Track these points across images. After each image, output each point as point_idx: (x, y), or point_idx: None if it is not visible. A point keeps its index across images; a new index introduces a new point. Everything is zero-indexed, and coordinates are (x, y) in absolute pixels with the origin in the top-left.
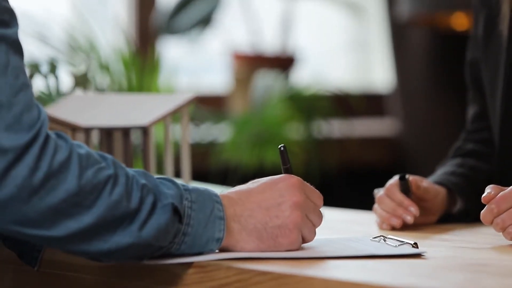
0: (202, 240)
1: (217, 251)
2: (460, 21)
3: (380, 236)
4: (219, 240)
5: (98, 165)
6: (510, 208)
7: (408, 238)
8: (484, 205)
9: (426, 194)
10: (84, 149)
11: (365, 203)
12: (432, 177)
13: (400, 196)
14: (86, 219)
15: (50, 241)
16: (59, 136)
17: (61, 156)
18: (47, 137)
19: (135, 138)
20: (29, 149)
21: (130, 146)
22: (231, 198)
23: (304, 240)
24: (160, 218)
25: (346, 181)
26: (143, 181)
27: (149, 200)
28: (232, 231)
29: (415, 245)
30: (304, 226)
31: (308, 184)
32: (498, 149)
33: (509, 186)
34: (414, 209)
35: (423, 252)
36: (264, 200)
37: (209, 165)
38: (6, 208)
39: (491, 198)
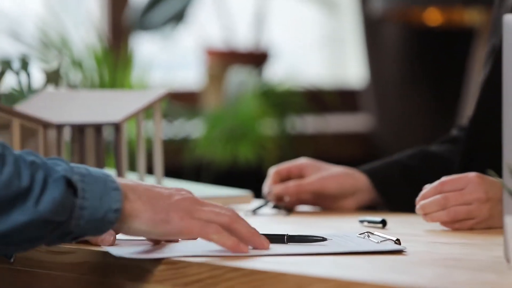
0: (99, 212)
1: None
2: (433, 16)
3: (366, 232)
4: (117, 210)
5: None
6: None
7: (392, 234)
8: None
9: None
10: None
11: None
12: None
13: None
14: None
15: None
16: None
17: None
18: None
19: (108, 134)
20: None
21: (102, 143)
22: (121, 178)
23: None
24: (54, 191)
25: None
26: (31, 158)
27: (39, 176)
28: (127, 199)
29: (398, 242)
30: (197, 213)
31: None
32: (466, 144)
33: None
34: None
35: (404, 249)
36: (156, 186)
37: (183, 162)
38: None
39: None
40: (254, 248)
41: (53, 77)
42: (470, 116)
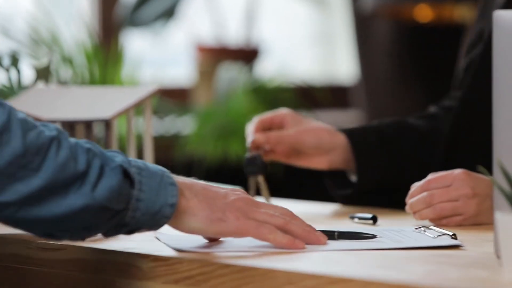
0: (155, 206)
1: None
2: (424, 13)
3: (422, 226)
4: (173, 205)
5: (39, 128)
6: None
7: (447, 229)
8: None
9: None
10: (22, 114)
11: (331, 195)
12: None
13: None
14: (35, 182)
15: (1, 208)
16: None
17: (0, 119)
18: None
19: (98, 131)
20: None
21: (92, 139)
22: (178, 176)
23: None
24: (112, 179)
25: (311, 173)
26: (88, 145)
27: (96, 163)
28: (184, 196)
29: (454, 236)
30: (251, 214)
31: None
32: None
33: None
34: (249, 140)
35: (462, 244)
36: (212, 186)
37: (173, 158)
38: None
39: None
40: (311, 244)
41: (43, 74)
42: (456, 99)
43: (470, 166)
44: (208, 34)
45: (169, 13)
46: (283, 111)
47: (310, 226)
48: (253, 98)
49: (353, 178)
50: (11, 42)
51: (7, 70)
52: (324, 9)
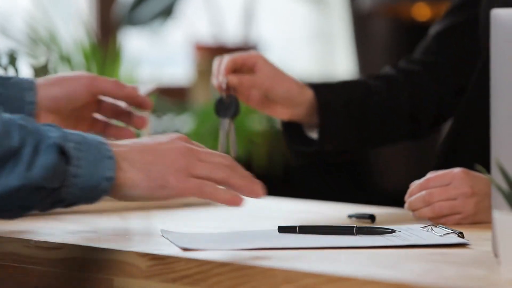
0: (92, 180)
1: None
2: (422, 11)
3: (429, 225)
4: (110, 179)
5: None
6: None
7: (455, 228)
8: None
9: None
10: None
11: (329, 193)
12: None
13: (222, 64)
14: None
15: None
16: None
17: None
18: None
19: None
20: None
21: None
22: (116, 142)
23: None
24: (47, 158)
25: (309, 171)
26: (22, 122)
27: (31, 141)
28: (121, 169)
29: (461, 235)
30: (193, 169)
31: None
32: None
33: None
34: (221, 79)
35: (469, 242)
36: (150, 145)
37: None
38: None
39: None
40: (249, 196)
41: (41, 72)
42: (415, 63)
43: (472, 165)
44: (206, 33)
45: (167, 12)
46: (255, 54)
47: (249, 175)
48: None
49: (312, 134)
50: (9, 41)
51: (5, 69)
52: (323, 7)
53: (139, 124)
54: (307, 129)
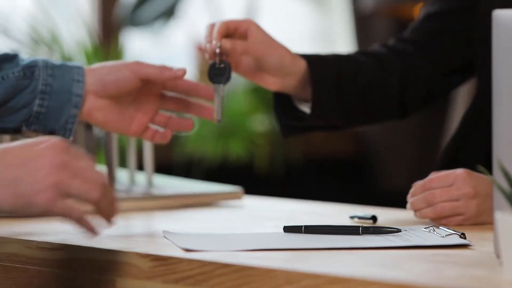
0: None
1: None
2: None
3: (431, 226)
4: None
5: None
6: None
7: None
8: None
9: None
10: None
11: (330, 194)
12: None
13: (214, 28)
14: None
15: None
16: None
17: None
18: None
19: (98, 130)
20: None
21: (92, 139)
22: None
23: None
24: None
25: (311, 172)
26: None
27: None
28: None
29: (463, 236)
30: (65, 187)
31: (75, 148)
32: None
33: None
34: (214, 43)
35: (471, 243)
36: (21, 156)
37: (173, 158)
38: None
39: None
40: (104, 225)
41: None
42: (405, 42)
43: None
44: None
45: (169, 13)
46: (248, 20)
47: (115, 200)
48: (253, 98)
49: (302, 107)
50: (11, 41)
51: None
52: (324, 8)
53: (206, 114)
54: (297, 101)
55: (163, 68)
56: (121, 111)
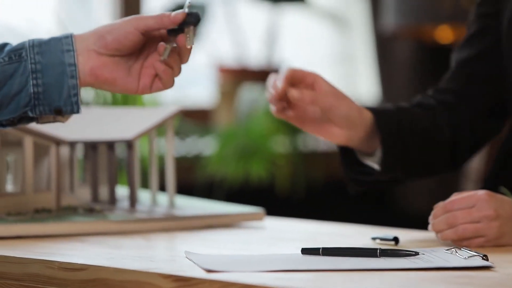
0: None
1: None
2: (445, 34)
3: (453, 248)
4: None
5: None
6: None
7: (478, 251)
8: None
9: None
10: None
11: (351, 215)
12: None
13: (281, 74)
14: None
15: None
16: None
17: None
18: None
19: (120, 151)
20: None
21: (114, 160)
22: None
23: None
24: None
25: (332, 193)
26: None
27: None
28: None
29: (485, 258)
30: None
31: None
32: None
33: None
34: (279, 86)
35: (493, 265)
36: None
37: (195, 179)
38: None
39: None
40: None
41: None
42: (449, 92)
43: None
44: (229, 55)
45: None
46: (314, 73)
47: None
48: (274, 119)
49: (367, 161)
50: None
51: None
52: (345, 29)
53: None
54: (361, 155)
55: (162, 15)
56: (127, 68)
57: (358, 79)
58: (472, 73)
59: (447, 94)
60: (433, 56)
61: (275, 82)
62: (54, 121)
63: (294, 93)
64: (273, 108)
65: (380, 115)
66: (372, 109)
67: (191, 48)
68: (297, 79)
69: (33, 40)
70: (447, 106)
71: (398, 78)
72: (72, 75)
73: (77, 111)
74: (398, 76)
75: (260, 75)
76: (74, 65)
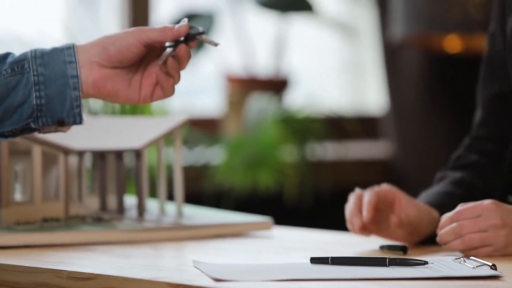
0: None
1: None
2: (454, 43)
3: (461, 257)
4: None
5: None
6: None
7: (487, 260)
8: None
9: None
10: None
11: None
12: (427, 195)
13: (365, 200)
14: None
15: None
16: None
17: None
18: None
19: (128, 161)
20: None
21: (123, 169)
22: None
23: None
24: None
25: (340, 203)
26: None
27: None
28: None
29: (494, 267)
30: None
31: None
32: None
33: None
34: (366, 214)
35: (502, 274)
36: None
37: (203, 188)
38: None
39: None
40: None
41: None
42: (490, 141)
43: None
44: (237, 64)
45: (198, 44)
46: (391, 188)
47: None
48: (283, 128)
49: None
50: None
51: None
52: (353, 39)
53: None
54: None
55: (166, 28)
56: (129, 79)
57: (366, 89)
58: (501, 113)
59: (486, 143)
60: (442, 66)
61: (358, 209)
62: (56, 131)
63: (394, 220)
64: (352, 227)
65: (444, 210)
66: (434, 206)
67: (190, 55)
68: (380, 203)
69: (35, 51)
70: (491, 157)
71: (406, 87)
72: (75, 87)
73: (80, 122)
74: (406, 85)
75: (268, 85)
76: (77, 76)
